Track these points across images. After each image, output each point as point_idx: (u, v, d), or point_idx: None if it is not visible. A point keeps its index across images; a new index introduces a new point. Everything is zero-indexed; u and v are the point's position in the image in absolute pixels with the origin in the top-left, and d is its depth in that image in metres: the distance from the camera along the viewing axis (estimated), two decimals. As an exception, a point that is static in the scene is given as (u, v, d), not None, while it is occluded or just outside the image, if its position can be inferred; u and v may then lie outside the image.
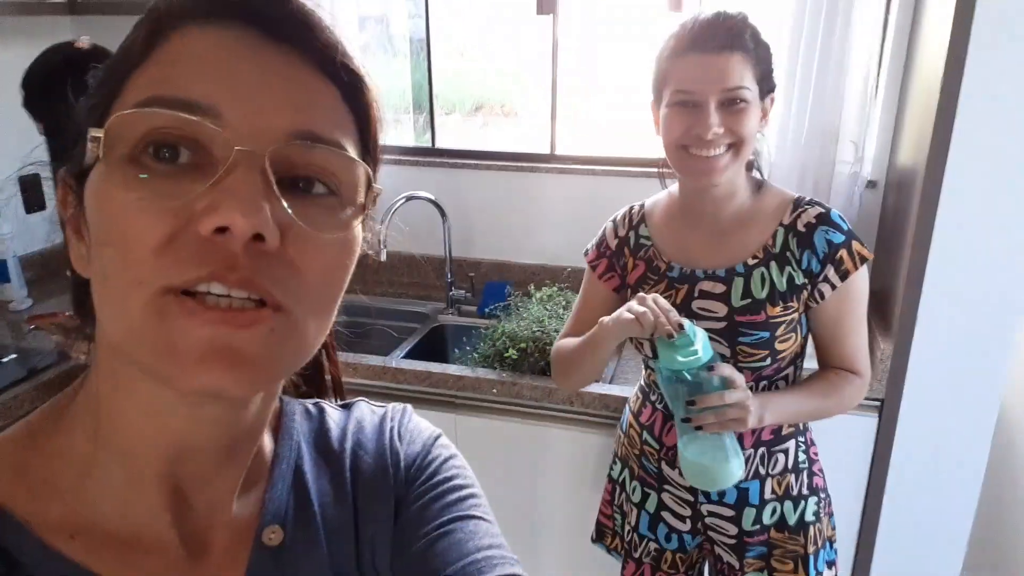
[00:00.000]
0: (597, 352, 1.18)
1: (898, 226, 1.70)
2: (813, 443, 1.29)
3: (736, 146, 1.10)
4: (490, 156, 2.23)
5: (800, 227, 1.15)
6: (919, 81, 1.65)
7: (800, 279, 1.15)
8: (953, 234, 1.47)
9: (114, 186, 0.38)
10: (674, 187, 1.27)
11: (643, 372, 1.34)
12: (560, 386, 1.34)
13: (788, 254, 1.15)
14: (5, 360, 1.63)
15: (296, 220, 0.39)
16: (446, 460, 0.58)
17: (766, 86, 1.13)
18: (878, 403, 1.60)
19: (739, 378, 1.08)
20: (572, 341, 1.26)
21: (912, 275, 1.52)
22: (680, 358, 1.03)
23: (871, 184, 1.90)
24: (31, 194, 2.05)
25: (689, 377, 1.05)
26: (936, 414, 1.57)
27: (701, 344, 1.04)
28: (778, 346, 1.16)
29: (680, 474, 1.24)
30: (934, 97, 1.44)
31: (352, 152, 0.43)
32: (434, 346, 2.09)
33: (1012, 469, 1.42)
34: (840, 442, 1.59)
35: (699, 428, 1.07)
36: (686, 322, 1.04)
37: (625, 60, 2.16)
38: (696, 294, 1.19)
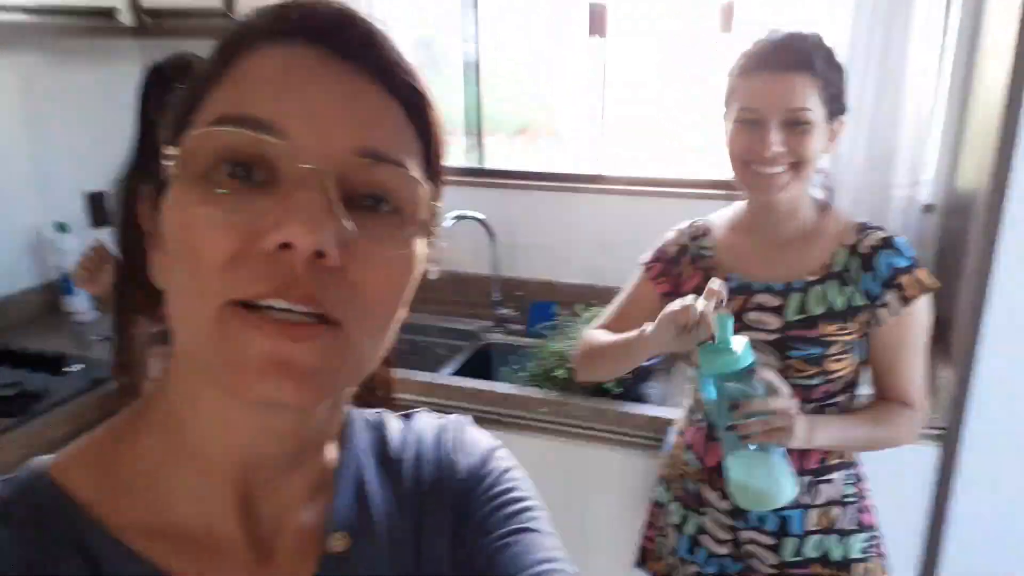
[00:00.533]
0: (631, 357, 1.19)
1: (958, 251, 1.66)
2: (864, 479, 1.25)
3: (797, 165, 1.11)
4: (538, 176, 2.25)
5: (863, 249, 1.14)
6: (980, 101, 1.62)
7: (859, 301, 1.13)
8: (1017, 259, 1.43)
9: (186, 202, 0.40)
10: (740, 202, 1.27)
11: (691, 391, 1.33)
12: (578, 374, 1.33)
13: (848, 275, 1.14)
14: (70, 370, 1.69)
15: (358, 237, 0.39)
16: (505, 472, 0.59)
17: (835, 108, 1.13)
18: (940, 432, 1.55)
19: (784, 385, 1.06)
20: (605, 335, 1.26)
21: (974, 302, 1.48)
22: (720, 360, 1.01)
23: (929, 208, 1.86)
24: (97, 209, 2.14)
25: (732, 383, 1.03)
26: (1001, 444, 1.52)
27: (742, 347, 1.02)
28: (830, 365, 1.14)
29: (721, 497, 1.22)
30: (996, 118, 1.41)
31: (416, 171, 0.43)
32: (481, 364, 2.10)
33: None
34: (900, 473, 1.54)
35: (744, 439, 1.05)
36: (727, 319, 1.01)
37: (674, 80, 2.16)
38: (751, 306, 1.18)
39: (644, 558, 1.44)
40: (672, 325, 1.04)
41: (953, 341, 1.59)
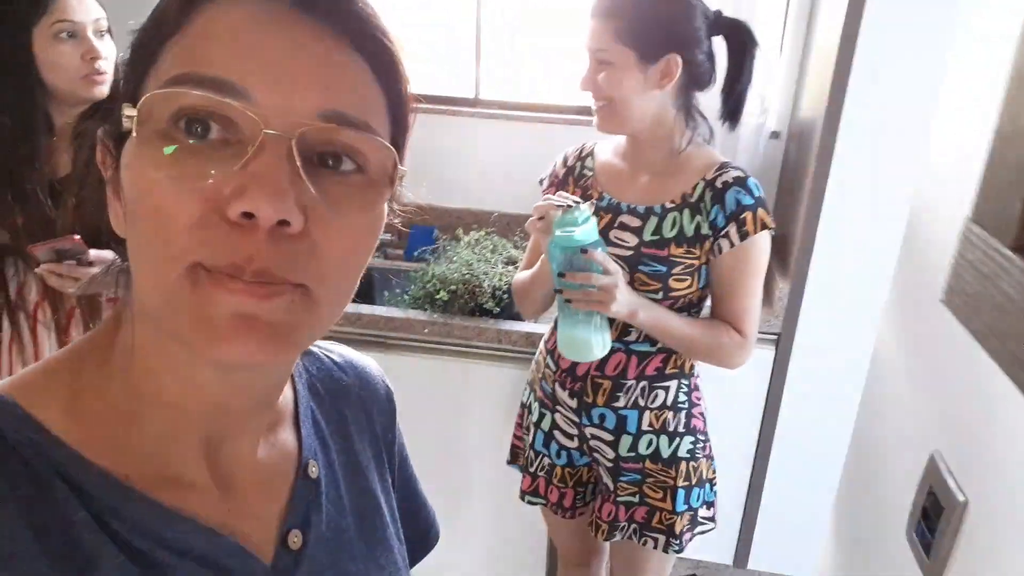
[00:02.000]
0: (545, 282, 1.33)
1: (798, 174, 1.85)
2: (697, 388, 1.39)
3: (611, 101, 1.24)
4: (415, 99, 2.23)
5: (718, 184, 1.25)
6: (819, 41, 1.78)
7: (705, 229, 1.25)
8: (845, 183, 1.62)
9: (147, 162, 0.39)
10: None
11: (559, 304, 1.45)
12: (523, 315, 1.48)
13: (701, 205, 1.26)
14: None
15: (321, 202, 0.39)
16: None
17: (652, 50, 1.20)
18: (775, 337, 1.77)
19: (613, 267, 1.19)
20: (526, 274, 1.41)
21: (808, 221, 1.67)
22: (559, 232, 1.16)
23: (775, 135, 2.04)
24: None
25: (575, 259, 1.18)
26: (825, 347, 1.76)
27: (585, 227, 1.16)
28: (672, 283, 1.27)
29: (571, 395, 1.37)
30: (832, 56, 1.56)
31: (381, 131, 0.43)
32: (361, 289, 2.11)
33: (882, 397, 1.62)
34: (741, 374, 1.74)
35: (569, 302, 1.21)
36: (583, 205, 1.17)
37: (551, 7, 2.19)
38: (616, 224, 1.30)
39: (515, 456, 1.58)
40: (538, 226, 1.21)
41: (791, 254, 1.79)
